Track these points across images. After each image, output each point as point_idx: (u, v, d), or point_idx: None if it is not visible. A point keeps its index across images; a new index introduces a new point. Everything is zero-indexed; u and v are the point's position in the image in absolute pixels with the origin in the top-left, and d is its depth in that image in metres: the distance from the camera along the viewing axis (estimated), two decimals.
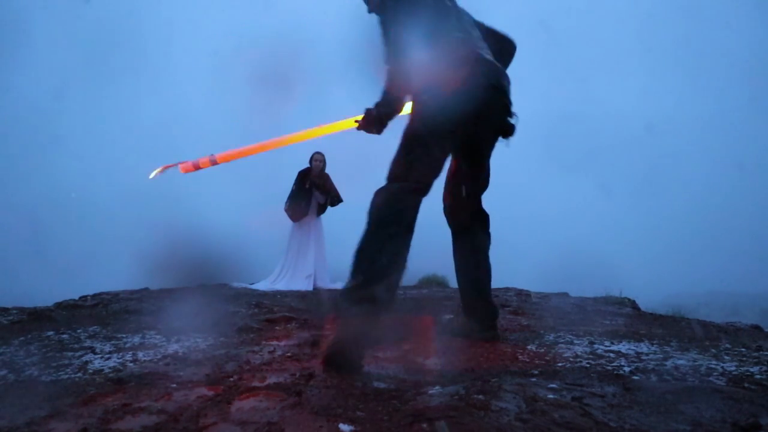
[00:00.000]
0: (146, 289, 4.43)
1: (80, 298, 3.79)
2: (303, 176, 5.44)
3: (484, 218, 2.11)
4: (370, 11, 1.94)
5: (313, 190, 5.40)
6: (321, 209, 5.49)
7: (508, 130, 1.86)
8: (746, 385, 1.46)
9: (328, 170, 5.52)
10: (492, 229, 2.17)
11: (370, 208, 1.68)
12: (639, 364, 1.70)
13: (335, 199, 5.46)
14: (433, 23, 1.78)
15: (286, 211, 5.43)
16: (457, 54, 1.76)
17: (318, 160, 5.43)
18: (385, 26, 1.79)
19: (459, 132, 1.77)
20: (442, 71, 1.72)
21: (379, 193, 1.70)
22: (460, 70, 1.72)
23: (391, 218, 1.63)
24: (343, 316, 1.56)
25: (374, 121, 1.98)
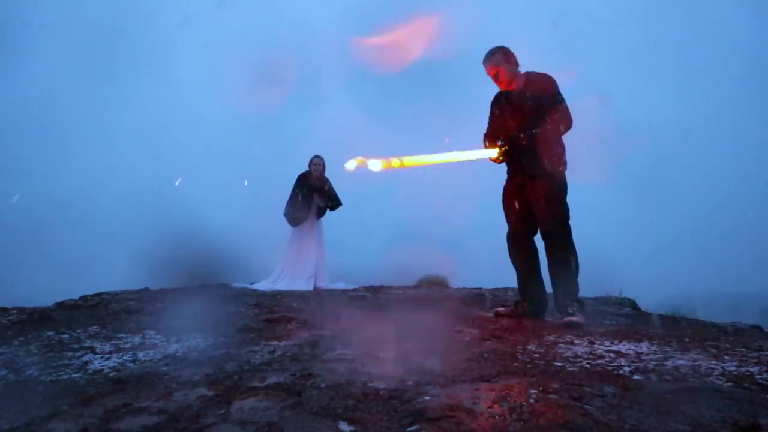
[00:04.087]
0: (146, 289, 4.43)
1: (80, 298, 3.79)
2: (302, 180, 5.42)
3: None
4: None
5: (312, 194, 5.38)
6: (320, 212, 5.48)
7: None
8: (746, 385, 1.46)
9: (327, 174, 5.51)
10: (491, 230, 2.89)
11: (570, 243, 2.67)
12: (639, 364, 1.69)
13: (335, 202, 5.44)
14: None
15: (285, 215, 5.41)
16: None
17: (317, 164, 5.41)
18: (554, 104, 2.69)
19: None
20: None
21: (569, 232, 2.68)
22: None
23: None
24: (577, 308, 2.58)
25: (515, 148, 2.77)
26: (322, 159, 5.48)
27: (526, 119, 2.73)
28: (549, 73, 2.78)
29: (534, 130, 2.67)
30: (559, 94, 2.71)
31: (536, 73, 2.79)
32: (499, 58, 2.81)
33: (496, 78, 2.84)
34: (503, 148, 2.78)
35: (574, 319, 2.51)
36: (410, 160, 2.53)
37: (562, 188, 2.72)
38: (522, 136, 2.71)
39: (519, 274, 2.90)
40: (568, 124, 2.69)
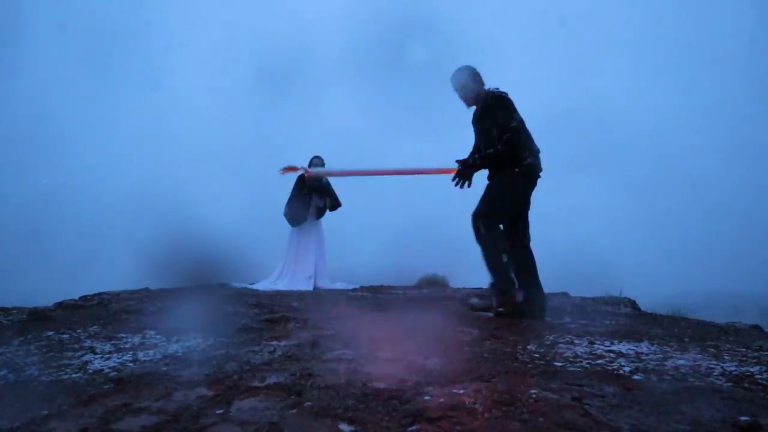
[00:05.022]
0: (146, 289, 4.43)
1: (80, 298, 3.78)
2: (302, 180, 5.42)
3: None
4: (469, 105, 3.03)
5: (312, 195, 5.38)
6: (320, 213, 5.48)
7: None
8: (746, 385, 1.46)
9: None
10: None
11: (481, 237, 2.83)
12: (639, 364, 1.70)
13: (334, 203, 5.44)
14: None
15: (285, 215, 5.41)
16: (533, 143, 2.89)
17: (317, 164, 5.41)
18: (497, 114, 2.82)
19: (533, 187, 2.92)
20: (533, 150, 2.86)
21: (486, 226, 2.81)
22: (536, 154, 2.87)
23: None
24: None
25: (472, 172, 2.90)
26: (322, 159, 5.48)
27: (485, 138, 2.90)
28: (501, 92, 2.89)
29: (488, 151, 2.83)
30: (509, 113, 2.81)
31: (492, 91, 2.91)
32: (465, 76, 2.95)
33: (461, 95, 3.00)
34: (456, 174, 2.92)
35: (473, 302, 3.03)
36: (353, 171, 2.73)
37: (503, 186, 2.85)
38: (476, 157, 2.90)
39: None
40: (514, 144, 2.77)
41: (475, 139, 3.08)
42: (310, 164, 5.44)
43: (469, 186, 2.93)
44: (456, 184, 2.91)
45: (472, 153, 3.07)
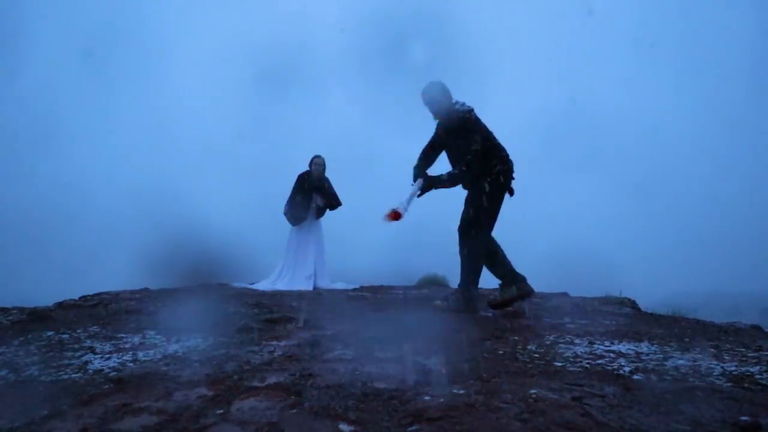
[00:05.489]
0: (146, 289, 4.43)
1: (80, 298, 3.78)
2: (303, 180, 5.42)
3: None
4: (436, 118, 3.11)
5: (312, 194, 5.38)
6: (320, 212, 5.48)
7: (511, 194, 3.06)
8: (746, 385, 1.46)
9: (327, 174, 5.50)
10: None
11: (470, 243, 2.98)
12: (639, 364, 1.70)
13: (334, 202, 5.44)
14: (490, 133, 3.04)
15: (285, 214, 5.41)
16: (504, 152, 3.00)
17: (318, 164, 5.41)
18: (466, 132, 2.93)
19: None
20: (503, 158, 2.98)
21: (475, 234, 2.97)
22: (506, 162, 2.98)
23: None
24: (452, 299, 3.08)
25: (433, 188, 3.04)
26: (323, 159, 5.48)
27: (452, 155, 3.03)
28: (466, 110, 2.96)
29: (451, 172, 2.97)
30: (471, 135, 2.90)
31: (457, 110, 2.98)
32: (436, 92, 3.03)
33: (430, 110, 3.08)
34: (423, 188, 3.01)
35: (437, 303, 3.15)
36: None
37: (481, 197, 2.96)
38: (441, 176, 3.00)
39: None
40: (475, 166, 2.88)
41: (431, 145, 3.18)
42: (311, 164, 5.44)
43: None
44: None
45: (423, 151, 3.18)
